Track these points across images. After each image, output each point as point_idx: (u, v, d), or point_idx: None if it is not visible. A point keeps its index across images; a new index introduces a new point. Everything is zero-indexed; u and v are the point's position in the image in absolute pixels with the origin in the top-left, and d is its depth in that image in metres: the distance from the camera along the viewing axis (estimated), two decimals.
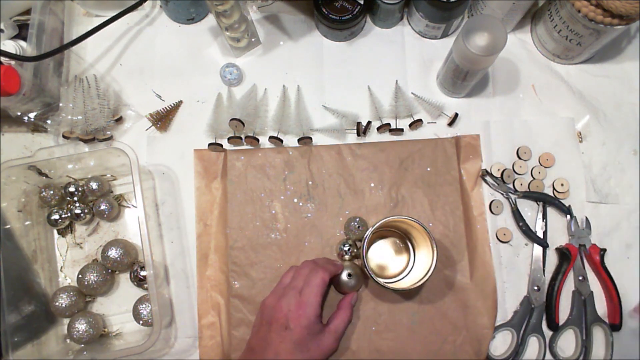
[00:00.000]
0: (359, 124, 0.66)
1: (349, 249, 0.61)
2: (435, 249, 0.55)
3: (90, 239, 0.65)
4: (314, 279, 0.54)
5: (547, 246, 0.64)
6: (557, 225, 0.65)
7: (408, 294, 0.61)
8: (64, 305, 0.60)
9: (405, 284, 0.59)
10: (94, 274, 0.61)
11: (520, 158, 0.66)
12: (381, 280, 0.56)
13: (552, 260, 0.64)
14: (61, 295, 0.60)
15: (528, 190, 0.65)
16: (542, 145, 0.67)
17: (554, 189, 0.66)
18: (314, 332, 0.53)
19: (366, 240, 0.56)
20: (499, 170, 0.66)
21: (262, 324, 0.55)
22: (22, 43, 0.63)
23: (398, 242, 0.63)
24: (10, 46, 0.62)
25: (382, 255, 0.63)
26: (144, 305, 0.61)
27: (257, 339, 0.54)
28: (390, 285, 0.57)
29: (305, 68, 0.69)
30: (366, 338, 0.60)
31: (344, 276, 0.59)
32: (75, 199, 0.64)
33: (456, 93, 0.67)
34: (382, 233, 0.63)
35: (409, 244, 0.62)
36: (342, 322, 0.57)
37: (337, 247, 0.62)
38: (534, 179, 0.66)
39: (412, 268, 0.61)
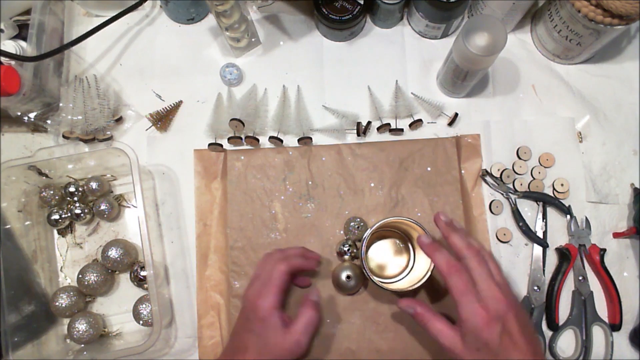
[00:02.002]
0: (359, 124, 0.66)
1: (348, 249, 0.61)
2: None
3: (90, 239, 0.65)
4: (273, 272, 0.53)
5: (547, 246, 0.64)
6: (557, 225, 0.65)
7: (408, 295, 0.61)
8: (64, 305, 0.60)
9: (404, 284, 0.59)
10: (94, 274, 0.61)
11: (520, 158, 0.66)
12: (377, 280, 0.55)
13: (552, 260, 0.64)
14: (61, 295, 0.60)
15: (528, 190, 0.65)
16: (542, 145, 0.67)
17: (554, 189, 0.66)
18: (272, 326, 0.51)
19: (365, 240, 0.56)
20: (499, 170, 0.66)
21: (240, 313, 0.56)
22: (22, 43, 0.63)
23: (398, 242, 0.63)
24: (10, 46, 0.62)
25: (382, 255, 0.63)
26: (144, 305, 0.61)
27: (235, 326, 0.56)
28: (388, 287, 0.57)
29: (305, 68, 0.69)
30: (366, 338, 0.60)
31: (343, 277, 0.59)
32: (75, 199, 0.64)
33: (456, 93, 0.67)
34: (382, 233, 0.63)
35: (409, 245, 0.62)
36: (303, 322, 0.52)
37: (336, 247, 0.62)
38: (534, 179, 0.66)
39: (412, 268, 0.61)
